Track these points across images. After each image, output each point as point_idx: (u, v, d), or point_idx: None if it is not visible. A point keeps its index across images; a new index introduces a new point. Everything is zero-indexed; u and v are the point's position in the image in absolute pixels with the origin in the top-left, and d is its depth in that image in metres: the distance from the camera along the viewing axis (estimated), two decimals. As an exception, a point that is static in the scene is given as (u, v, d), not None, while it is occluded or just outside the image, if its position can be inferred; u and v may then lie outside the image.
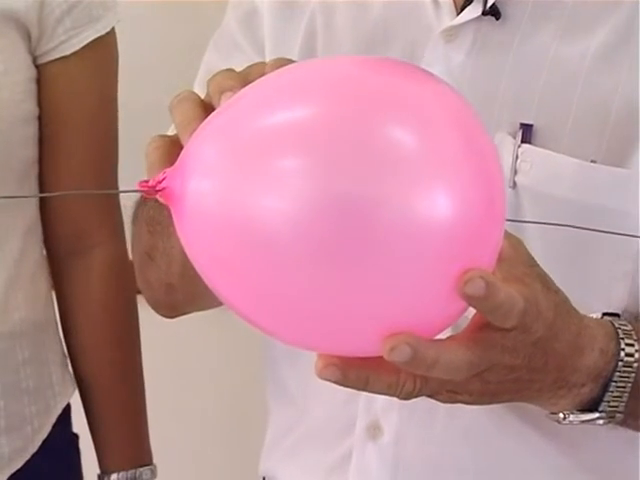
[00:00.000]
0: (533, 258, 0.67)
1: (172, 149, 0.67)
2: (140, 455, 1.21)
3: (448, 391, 0.65)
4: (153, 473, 1.21)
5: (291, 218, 0.55)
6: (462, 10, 0.81)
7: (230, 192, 0.56)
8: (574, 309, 0.69)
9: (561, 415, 0.72)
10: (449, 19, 0.81)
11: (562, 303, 0.67)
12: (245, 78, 0.66)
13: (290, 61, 0.68)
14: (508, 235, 0.64)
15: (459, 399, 0.66)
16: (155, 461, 1.22)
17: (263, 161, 0.56)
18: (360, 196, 0.54)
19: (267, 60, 0.70)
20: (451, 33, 0.81)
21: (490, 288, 0.58)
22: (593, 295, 0.78)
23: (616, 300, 0.78)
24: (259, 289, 0.57)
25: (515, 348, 0.64)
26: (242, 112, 0.58)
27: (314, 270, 0.55)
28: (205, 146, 0.59)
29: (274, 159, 0.55)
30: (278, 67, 0.65)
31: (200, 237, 0.59)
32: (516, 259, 0.65)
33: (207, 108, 0.66)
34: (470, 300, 0.58)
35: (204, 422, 1.88)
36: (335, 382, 0.61)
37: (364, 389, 0.62)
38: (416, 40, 0.83)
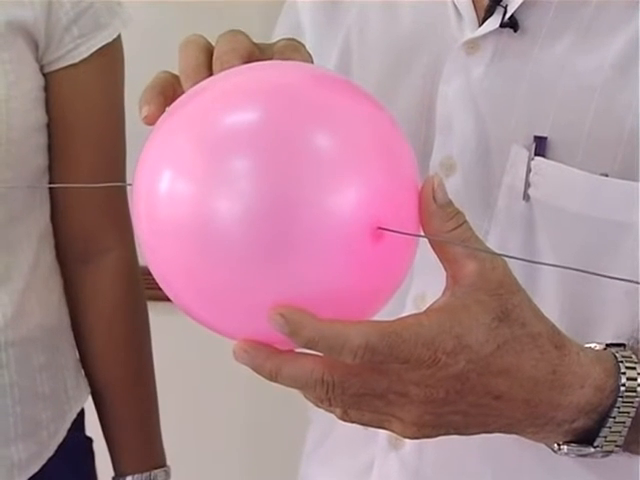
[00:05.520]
0: (506, 285, 0.64)
1: (168, 88, 0.68)
2: (154, 457, 1.22)
3: (384, 413, 0.65)
4: (167, 474, 1.22)
5: (236, 217, 0.59)
6: (484, 22, 0.79)
7: (176, 191, 0.60)
8: (554, 345, 0.66)
9: (555, 446, 0.71)
10: (470, 31, 0.80)
11: (522, 337, 0.64)
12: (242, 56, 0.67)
13: (296, 48, 0.71)
14: (482, 259, 0.63)
15: (397, 428, 0.66)
16: (169, 463, 1.23)
17: (210, 163, 0.60)
18: (289, 197, 0.59)
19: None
20: (472, 45, 0.80)
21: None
22: (606, 310, 0.77)
23: (628, 315, 0.76)
24: (197, 277, 0.61)
25: (425, 383, 0.63)
26: (190, 114, 0.62)
27: (252, 263, 0.59)
28: (155, 148, 0.63)
29: (220, 162, 0.59)
30: (284, 53, 0.70)
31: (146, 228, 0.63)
32: (477, 286, 0.63)
33: (212, 53, 0.68)
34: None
35: (222, 425, 1.89)
36: (250, 367, 0.62)
37: (275, 380, 0.62)
38: (440, 52, 0.82)
